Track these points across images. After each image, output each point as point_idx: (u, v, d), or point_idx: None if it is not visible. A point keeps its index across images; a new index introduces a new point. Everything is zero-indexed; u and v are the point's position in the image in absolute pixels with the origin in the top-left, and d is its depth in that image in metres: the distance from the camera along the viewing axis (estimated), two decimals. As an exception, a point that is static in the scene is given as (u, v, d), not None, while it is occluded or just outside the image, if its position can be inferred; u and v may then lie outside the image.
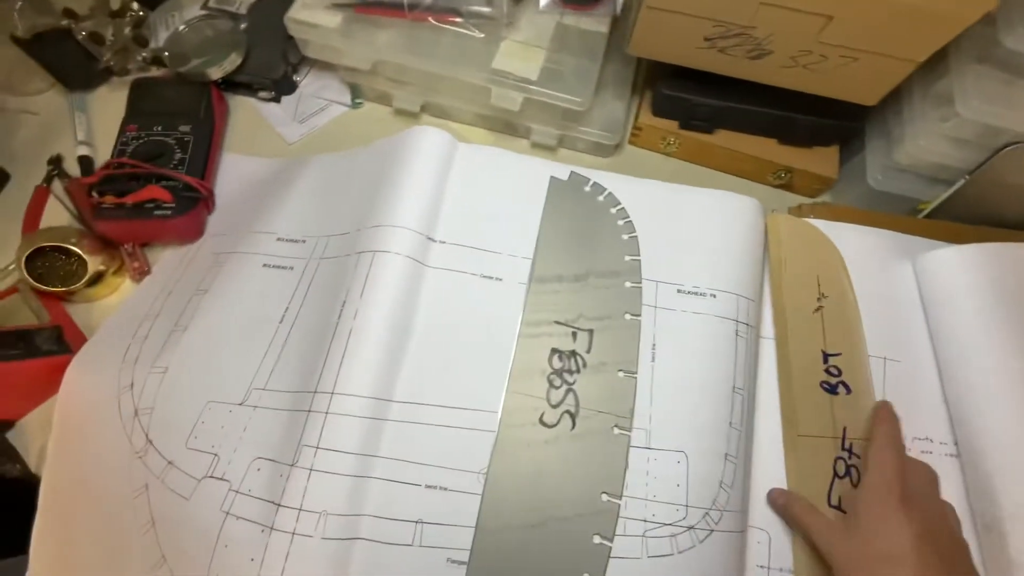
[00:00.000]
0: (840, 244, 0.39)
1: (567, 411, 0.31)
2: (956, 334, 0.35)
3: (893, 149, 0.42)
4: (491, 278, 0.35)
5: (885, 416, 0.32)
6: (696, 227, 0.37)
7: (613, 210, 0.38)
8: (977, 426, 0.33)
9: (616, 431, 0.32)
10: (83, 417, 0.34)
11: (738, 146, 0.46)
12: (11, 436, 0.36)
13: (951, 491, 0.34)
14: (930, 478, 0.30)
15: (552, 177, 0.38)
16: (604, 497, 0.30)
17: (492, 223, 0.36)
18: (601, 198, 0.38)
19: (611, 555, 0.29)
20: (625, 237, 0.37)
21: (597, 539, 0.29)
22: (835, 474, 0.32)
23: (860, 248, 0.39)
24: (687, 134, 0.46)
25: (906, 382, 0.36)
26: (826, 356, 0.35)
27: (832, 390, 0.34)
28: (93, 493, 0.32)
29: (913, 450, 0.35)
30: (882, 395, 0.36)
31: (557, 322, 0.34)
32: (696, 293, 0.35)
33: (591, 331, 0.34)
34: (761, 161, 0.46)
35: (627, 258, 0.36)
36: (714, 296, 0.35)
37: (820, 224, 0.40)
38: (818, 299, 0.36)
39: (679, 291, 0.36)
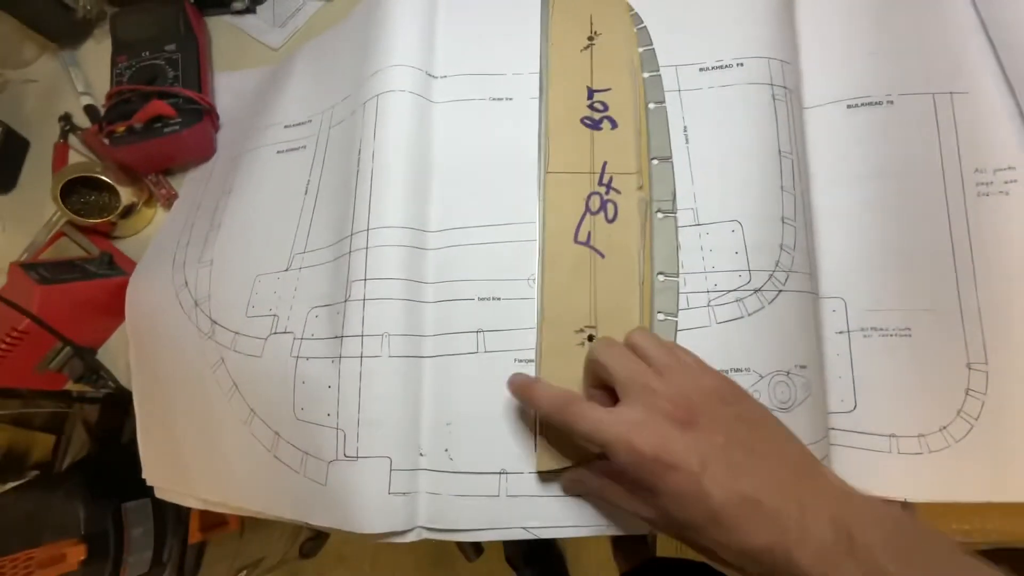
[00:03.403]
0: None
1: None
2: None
3: None
4: (501, 99, 0.33)
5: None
6: (708, -2, 0.34)
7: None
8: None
9: (660, 216, 0.30)
10: (151, 322, 0.35)
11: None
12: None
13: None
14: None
15: (543, -13, 0.36)
16: (661, 278, 0.29)
17: (490, 45, 0.34)
18: (599, -1, 0.36)
19: (679, 328, 0.28)
20: (633, 30, 0.34)
21: (661, 316, 0.28)
22: (587, 209, 0.29)
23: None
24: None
25: (977, 113, 0.33)
26: (591, 92, 0.32)
27: (595, 125, 0.31)
28: (178, 382, 0.34)
29: (995, 183, 0.32)
30: (954, 133, 0.32)
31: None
32: (720, 67, 0.33)
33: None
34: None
35: (640, 50, 0.34)
36: (741, 65, 0.32)
37: None
38: (589, 37, 0.33)
39: (701, 69, 0.33)
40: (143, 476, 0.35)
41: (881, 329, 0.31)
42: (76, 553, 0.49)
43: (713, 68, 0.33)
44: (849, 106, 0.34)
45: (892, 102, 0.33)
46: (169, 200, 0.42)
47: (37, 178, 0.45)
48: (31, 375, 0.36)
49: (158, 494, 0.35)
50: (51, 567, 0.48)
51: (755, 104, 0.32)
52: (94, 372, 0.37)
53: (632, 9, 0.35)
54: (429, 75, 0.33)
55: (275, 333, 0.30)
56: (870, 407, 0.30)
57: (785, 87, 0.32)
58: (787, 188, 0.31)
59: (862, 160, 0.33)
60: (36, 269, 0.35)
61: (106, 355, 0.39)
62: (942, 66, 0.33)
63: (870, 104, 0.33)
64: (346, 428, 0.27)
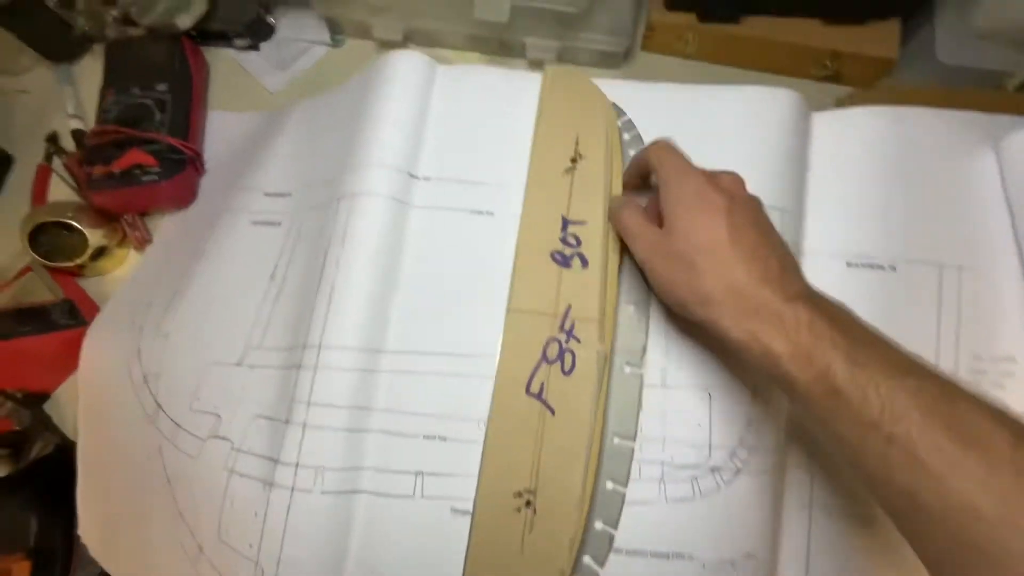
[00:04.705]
0: (902, 133, 0.32)
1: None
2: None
3: (970, 12, 0.34)
4: (481, 213, 0.31)
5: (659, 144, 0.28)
6: (718, 132, 0.32)
7: (618, 123, 0.33)
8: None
9: (627, 369, 0.29)
10: (101, 385, 0.35)
11: (770, 34, 0.39)
12: (48, 407, 0.38)
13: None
14: (734, 176, 0.27)
15: (545, 93, 0.34)
16: (616, 440, 0.28)
17: (479, 151, 0.32)
18: (603, 111, 0.33)
19: (625, 501, 0.27)
20: (631, 153, 0.32)
21: (610, 484, 0.27)
22: (543, 358, 0.27)
23: (927, 135, 0.32)
24: (708, 28, 0.39)
25: (985, 294, 0.31)
26: (566, 223, 0.30)
27: (565, 262, 0.29)
28: (119, 455, 0.33)
29: (990, 372, 0.30)
30: (956, 312, 0.31)
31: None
32: (716, 209, 0.31)
33: (596, 263, 0.30)
34: (800, 49, 0.39)
35: (631, 178, 0.32)
36: (738, 210, 0.30)
37: (860, 111, 0.33)
38: (572, 159, 0.30)
39: (696, 208, 0.31)
40: (79, 532, 0.35)
41: (846, 510, 0.29)
42: (21, 570, 0.49)
43: (709, 210, 0.31)
44: (849, 264, 0.32)
45: (895, 268, 0.31)
46: (143, 244, 0.41)
47: (17, 197, 0.44)
48: (-23, 421, 0.35)
49: (92, 554, 0.35)
50: (-6, 580, 0.48)
51: (747, 258, 0.30)
52: (40, 423, 0.36)
53: (633, 130, 0.33)
54: (411, 175, 0.32)
55: (214, 436, 0.30)
56: (821, 591, 0.29)
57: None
58: (767, 354, 0.29)
59: (855, 325, 0.31)
60: (-10, 321, 0.34)
61: (60, 399, 0.38)
62: (955, 238, 0.31)
63: (871, 266, 0.31)
64: (265, 566, 0.26)
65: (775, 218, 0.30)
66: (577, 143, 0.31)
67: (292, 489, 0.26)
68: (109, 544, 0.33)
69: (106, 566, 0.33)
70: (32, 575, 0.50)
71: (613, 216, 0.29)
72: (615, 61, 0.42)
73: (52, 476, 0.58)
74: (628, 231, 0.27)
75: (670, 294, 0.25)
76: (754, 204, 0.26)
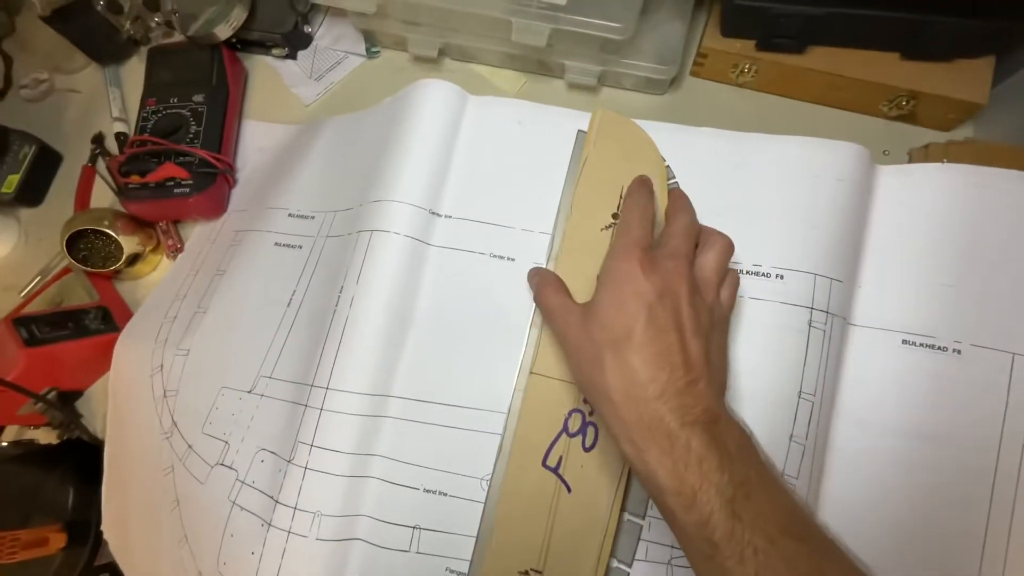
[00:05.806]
0: (983, 199, 0.28)
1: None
2: None
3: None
4: (502, 258, 0.30)
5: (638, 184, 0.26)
6: (765, 189, 0.29)
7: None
8: None
9: (643, 442, 0.27)
10: (127, 396, 0.36)
11: (839, 67, 0.35)
12: (80, 404, 0.40)
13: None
14: (677, 262, 0.23)
15: (580, 131, 0.31)
16: (625, 516, 0.26)
17: (506, 192, 0.31)
18: (641, 153, 0.31)
19: (629, 582, 0.26)
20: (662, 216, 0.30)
21: (615, 563, 0.26)
22: (564, 430, 0.26)
23: (1012, 203, 0.28)
24: (767, 57, 0.36)
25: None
26: None
27: None
28: (138, 467, 0.34)
29: (1058, 481, 0.27)
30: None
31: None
32: (757, 274, 0.28)
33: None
34: (871, 86, 0.35)
35: (669, 230, 0.29)
36: (781, 277, 0.28)
37: (935, 169, 0.30)
38: (614, 215, 0.28)
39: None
40: (102, 528, 0.37)
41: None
42: (57, 540, 0.53)
43: (749, 273, 0.28)
44: (905, 341, 0.29)
45: (959, 352, 0.28)
46: (175, 252, 0.41)
47: (65, 195, 0.45)
48: (15, 416, 0.37)
49: (112, 552, 0.36)
50: (34, 549, 0.51)
51: (785, 330, 0.27)
52: (72, 422, 0.38)
53: (672, 178, 0.30)
54: (432, 213, 0.31)
55: (221, 464, 0.30)
56: None
57: (828, 312, 0.28)
58: (797, 438, 0.27)
59: (904, 411, 0.28)
60: (27, 325, 0.35)
61: (93, 396, 0.40)
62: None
63: (931, 347, 0.28)
64: (258, 606, 0.26)
65: (820, 288, 0.28)
66: (621, 197, 0.29)
67: (288, 532, 0.26)
68: (125, 547, 0.34)
69: (122, 566, 0.35)
70: (67, 546, 0.53)
71: (536, 294, 0.27)
72: (660, 87, 0.39)
73: (90, 452, 0.61)
74: (548, 311, 0.26)
75: (577, 379, 0.24)
76: (687, 298, 0.22)
